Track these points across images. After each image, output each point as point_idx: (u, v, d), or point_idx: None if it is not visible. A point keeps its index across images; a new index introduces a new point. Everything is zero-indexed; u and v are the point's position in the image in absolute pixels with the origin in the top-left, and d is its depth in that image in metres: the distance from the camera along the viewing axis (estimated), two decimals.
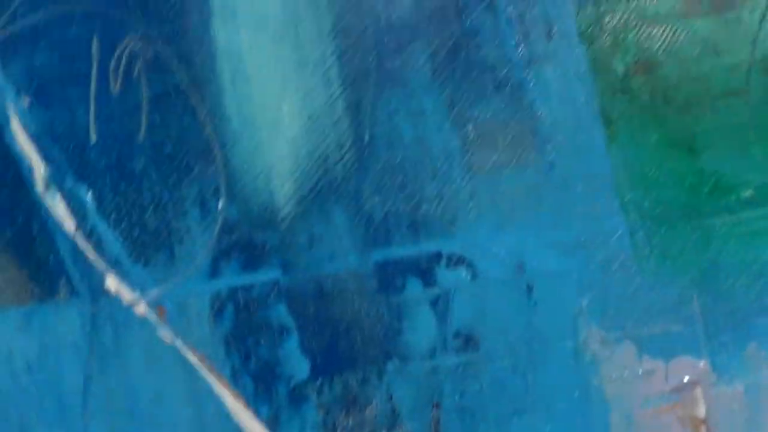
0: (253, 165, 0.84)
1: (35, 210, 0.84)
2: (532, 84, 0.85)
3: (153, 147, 0.84)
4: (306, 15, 0.86)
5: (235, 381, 0.85)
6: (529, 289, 0.86)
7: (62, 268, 0.85)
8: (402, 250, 0.86)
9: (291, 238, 0.85)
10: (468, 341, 0.86)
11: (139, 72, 0.84)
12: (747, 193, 0.86)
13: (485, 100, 0.85)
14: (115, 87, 0.84)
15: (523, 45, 0.85)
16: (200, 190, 0.84)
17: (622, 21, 0.86)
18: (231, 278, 0.85)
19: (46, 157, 0.84)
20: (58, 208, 0.84)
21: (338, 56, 0.85)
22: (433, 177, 0.85)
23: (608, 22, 0.87)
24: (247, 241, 0.85)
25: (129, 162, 0.84)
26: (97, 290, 0.85)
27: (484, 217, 0.86)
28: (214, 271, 0.85)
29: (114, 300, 0.85)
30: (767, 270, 0.85)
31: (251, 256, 0.85)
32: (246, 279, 0.85)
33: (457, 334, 0.86)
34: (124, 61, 0.84)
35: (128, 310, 0.85)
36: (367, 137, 0.85)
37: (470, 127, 0.85)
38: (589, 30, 0.87)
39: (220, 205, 0.84)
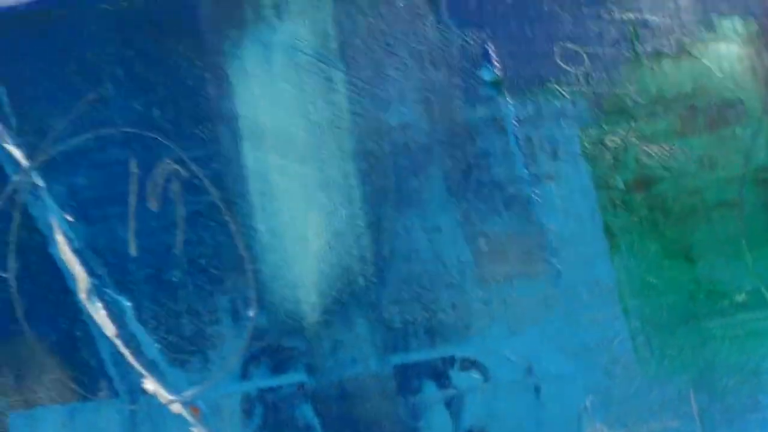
0: (281, 276, 0.92)
1: (79, 316, 0.92)
2: (539, 200, 0.92)
3: (188, 260, 0.91)
4: (329, 139, 0.93)
5: None
6: (537, 390, 0.93)
7: (103, 369, 0.92)
8: (419, 355, 0.93)
9: (316, 344, 0.92)
10: None
11: (176, 191, 0.91)
12: (740, 298, 0.93)
13: (496, 215, 0.92)
14: (153, 205, 0.91)
15: (530, 164, 0.92)
16: (232, 299, 0.92)
17: (622, 140, 0.93)
18: (260, 380, 0.92)
19: (89, 269, 0.92)
20: (100, 315, 0.92)
21: (359, 177, 0.92)
22: (448, 287, 0.92)
23: (610, 141, 0.93)
24: (275, 347, 0.92)
25: (166, 273, 0.91)
26: (136, 390, 0.92)
27: (496, 324, 0.92)
28: (244, 374, 0.92)
29: (151, 399, 0.92)
30: (761, 369, 0.91)
31: (279, 360, 0.92)
32: (274, 381, 0.92)
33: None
34: (161, 181, 0.91)
35: (165, 409, 0.92)
36: (386, 251, 0.92)
37: (482, 241, 0.92)
38: (592, 149, 0.93)
39: (251, 313, 0.91)
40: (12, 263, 0.89)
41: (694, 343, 0.93)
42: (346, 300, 0.90)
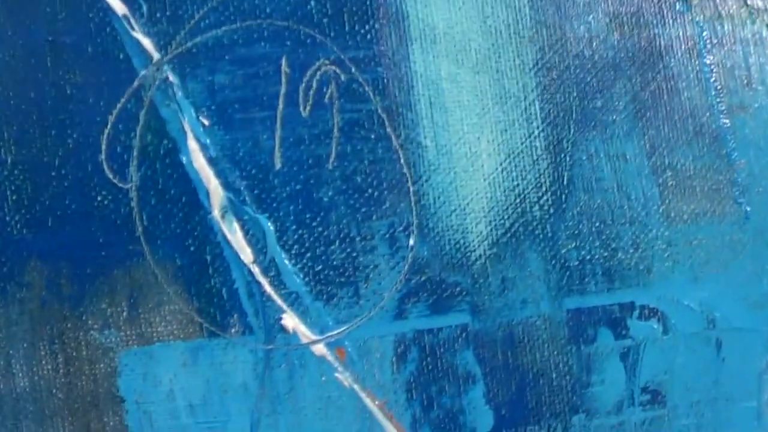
0: (447, 201, 0.79)
1: (210, 238, 0.77)
2: (730, 132, 0.81)
3: (342, 176, 0.78)
4: (508, 47, 0.80)
5: (414, 430, 0.79)
6: (718, 344, 0.82)
7: (236, 302, 0.77)
8: (596, 299, 0.81)
9: (483, 281, 0.80)
10: (655, 397, 0.82)
11: (331, 96, 0.77)
12: None
13: (685, 146, 0.81)
14: (305, 111, 0.77)
15: (722, 92, 0.81)
16: (390, 224, 0.78)
17: None
18: (417, 321, 0.79)
19: (225, 182, 0.77)
20: (236, 237, 0.77)
21: (539, 92, 0.80)
22: (631, 223, 0.81)
23: None
24: (436, 282, 0.79)
25: (315, 191, 0.78)
26: (273, 328, 0.78)
27: (679, 268, 0.82)
28: (399, 313, 0.79)
29: (290, 339, 0.78)
30: None
31: (440, 299, 0.79)
32: (433, 322, 0.79)
33: (645, 389, 0.82)
34: (315, 85, 0.78)
35: (305, 350, 0.78)
36: (565, 179, 0.80)
37: (669, 174, 0.81)
38: None
39: (411, 242, 0.78)
40: (133, 173, 0.74)
41: None
42: (519, 232, 0.78)
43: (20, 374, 0.76)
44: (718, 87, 0.82)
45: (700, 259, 0.82)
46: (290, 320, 0.78)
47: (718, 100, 0.82)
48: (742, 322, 0.82)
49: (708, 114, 0.82)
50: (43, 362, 0.76)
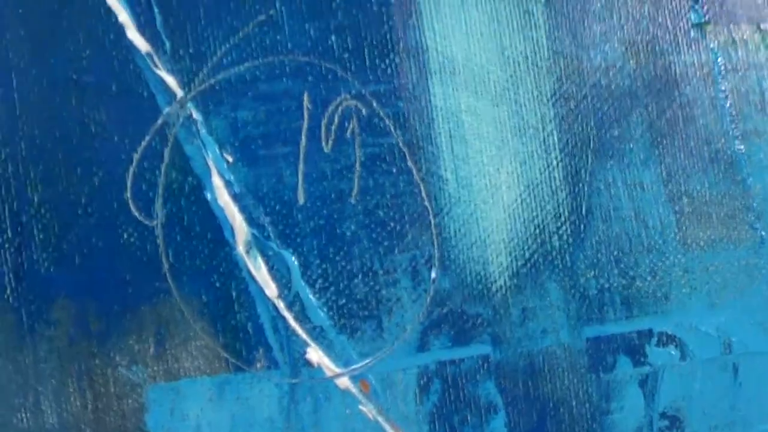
0: (468, 233, 0.80)
1: (235, 273, 0.78)
2: (745, 158, 0.83)
3: (364, 211, 0.79)
4: (526, 78, 0.81)
5: None
6: (735, 369, 0.83)
7: (261, 336, 0.79)
8: (615, 327, 0.82)
9: (503, 312, 0.81)
10: (674, 422, 0.84)
11: (353, 131, 0.78)
12: None
13: (701, 173, 0.82)
14: (327, 146, 0.78)
15: (736, 118, 0.83)
16: (412, 258, 0.79)
17: None
18: (440, 352, 0.81)
19: (250, 218, 0.78)
20: (261, 272, 0.78)
21: (557, 122, 0.81)
22: (648, 251, 0.82)
23: None
24: (458, 314, 0.80)
25: (338, 226, 0.79)
26: (298, 362, 0.79)
27: (696, 294, 0.83)
28: (422, 345, 0.80)
29: (315, 372, 0.79)
30: None
31: (462, 330, 0.81)
32: (455, 353, 0.81)
33: (663, 415, 0.83)
34: (337, 120, 0.78)
35: (330, 383, 0.79)
36: (584, 208, 0.81)
37: (685, 200, 0.82)
38: None
39: (433, 274, 0.79)
40: (159, 210, 0.75)
41: None
42: (539, 262, 0.79)
43: (49, 411, 0.77)
44: (733, 113, 0.83)
45: (716, 285, 0.83)
46: (315, 354, 0.79)
47: (733, 126, 0.83)
48: (759, 346, 0.83)
49: (723, 140, 0.83)
50: (72, 399, 0.77)
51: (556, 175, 0.80)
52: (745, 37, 0.84)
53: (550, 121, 0.81)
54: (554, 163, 0.80)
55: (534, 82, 0.81)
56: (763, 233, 0.83)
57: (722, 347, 0.83)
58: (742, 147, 0.83)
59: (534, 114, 0.81)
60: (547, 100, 0.81)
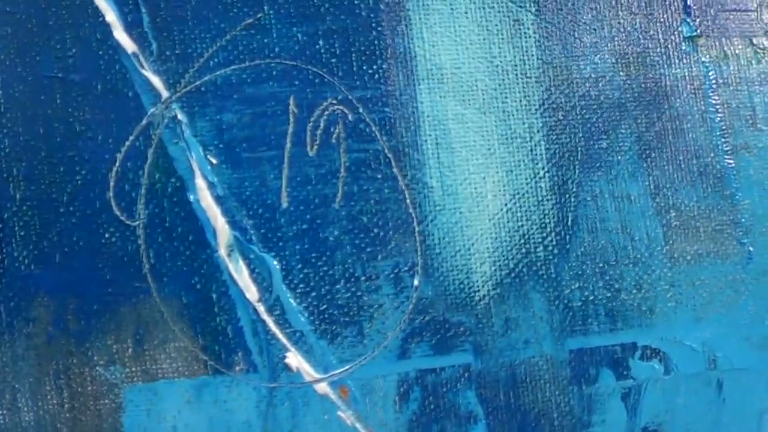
0: (452, 241, 0.79)
1: (216, 276, 0.78)
2: (734, 173, 0.82)
3: (348, 216, 0.78)
4: (514, 88, 0.81)
5: None
6: (720, 385, 0.83)
7: (241, 339, 0.78)
8: (598, 339, 0.82)
9: (486, 322, 0.80)
10: None
11: (338, 136, 0.78)
12: None
13: (689, 186, 0.82)
14: (312, 150, 0.78)
15: (727, 132, 0.82)
16: (395, 264, 0.79)
17: None
18: (420, 360, 0.80)
19: (232, 221, 0.78)
20: (242, 275, 0.78)
21: (545, 133, 0.81)
22: (634, 264, 0.81)
23: None
24: (440, 322, 0.80)
25: (321, 231, 0.78)
26: (277, 366, 0.78)
27: (682, 309, 0.82)
28: (403, 352, 0.79)
29: (294, 377, 0.78)
30: None
31: (443, 338, 0.80)
32: (436, 362, 0.80)
33: (645, 429, 0.83)
34: (322, 124, 0.78)
35: (309, 388, 0.78)
36: (570, 219, 0.80)
37: (673, 214, 0.81)
38: None
39: (416, 282, 0.79)
40: (141, 210, 0.75)
41: None
42: (523, 272, 0.78)
43: (25, 408, 0.76)
44: (723, 127, 0.82)
45: (702, 300, 0.82)
46: (294, 359, 0.78)
47: (722, 140, 0.82)
48: (744, 362, 0.83)
49: (712, 154, 0.82)
50: (49, 397, 0.76)
51: (543, 186, 0.80)
52: (737, 51, 0.83)
53: (538, 131, 0.80)
54: (541, 173, 0.80)
55: (522, 91, 0.80)
56: (751, 248, 0.82)
57: (707, 362, 0.82)
58: (731, 161, 0.82)
59: (522, 123, 0.80)
60: (536, 110, 0.80)
